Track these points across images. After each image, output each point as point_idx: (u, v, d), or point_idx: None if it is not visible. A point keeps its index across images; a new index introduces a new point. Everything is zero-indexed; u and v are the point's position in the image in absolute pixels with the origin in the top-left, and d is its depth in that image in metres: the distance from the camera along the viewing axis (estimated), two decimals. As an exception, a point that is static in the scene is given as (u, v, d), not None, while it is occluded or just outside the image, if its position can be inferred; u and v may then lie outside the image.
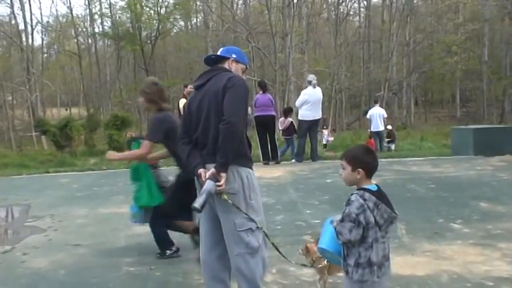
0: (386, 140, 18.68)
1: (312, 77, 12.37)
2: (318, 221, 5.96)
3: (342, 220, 2.70)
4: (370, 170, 2.79)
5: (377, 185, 2.80)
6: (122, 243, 5.80)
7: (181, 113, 12.38)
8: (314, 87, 11.94)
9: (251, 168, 3.44)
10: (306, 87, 12.30)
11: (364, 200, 2.68)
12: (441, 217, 6.23)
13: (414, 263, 4.61)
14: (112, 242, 5.88)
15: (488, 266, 4.47)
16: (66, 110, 53.30)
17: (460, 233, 5.56)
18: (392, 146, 18.16)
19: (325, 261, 3.60)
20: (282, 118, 13.97)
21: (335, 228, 2.74)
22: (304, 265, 3.82)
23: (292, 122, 13.70)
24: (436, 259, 4.69)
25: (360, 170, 2.76)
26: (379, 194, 2.75)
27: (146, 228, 5.14)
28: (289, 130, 13.64)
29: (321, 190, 8.21)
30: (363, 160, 2.78)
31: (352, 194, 2.76)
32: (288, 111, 14.25)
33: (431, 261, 4.64)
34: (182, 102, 12.59)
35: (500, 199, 7.12)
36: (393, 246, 3.94)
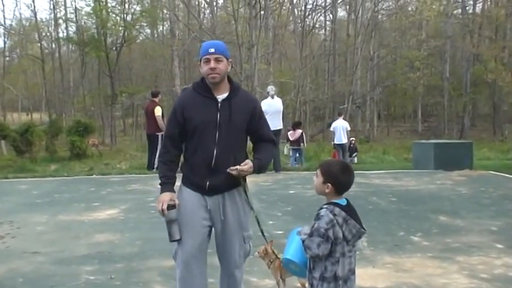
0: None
1: (270, 88, 12.84)
2: (280, 232, 5.97)
3: (310, 234, 2.67)
4: (340, 187, 2.76)
5: (347, 199, 2.79)
6: (82, 251, 5.69)
7: (160, 120, 12.33)
8: (272, 97, 12.30)
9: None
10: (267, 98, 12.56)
11: (334, 215, 2.66)
12: (402, 230, 6.34)
13: (375, 275, 4.67)
14: (72, 250, 5.76)
15: (446, 278, 4.56)
16: (28, 114, 52.08)
17: (419, 245, 5.66)
18: (355, 159, 18.29)
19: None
20: (291, 131, 16.37)
21: (303, 241, 2.70)
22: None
23: (302, 133, 16.26)
24: (396, 271, 4.77)
25: (329, 184, 2.74)
26: (349, 209, 2.73)
27: (107, 237, 5.07)
28: (297, 141, 15.96)
29: (284, 201, 8.24)
30: (335, 176, 2.75)
31: (321, 208, 2.73)
32: (297, 124, 16.92)
33: (392, 274, 4.71)
34: (159, 110, 12.56)
35: (459, 213, 7.28)
36: (355, 258, 3.97)
